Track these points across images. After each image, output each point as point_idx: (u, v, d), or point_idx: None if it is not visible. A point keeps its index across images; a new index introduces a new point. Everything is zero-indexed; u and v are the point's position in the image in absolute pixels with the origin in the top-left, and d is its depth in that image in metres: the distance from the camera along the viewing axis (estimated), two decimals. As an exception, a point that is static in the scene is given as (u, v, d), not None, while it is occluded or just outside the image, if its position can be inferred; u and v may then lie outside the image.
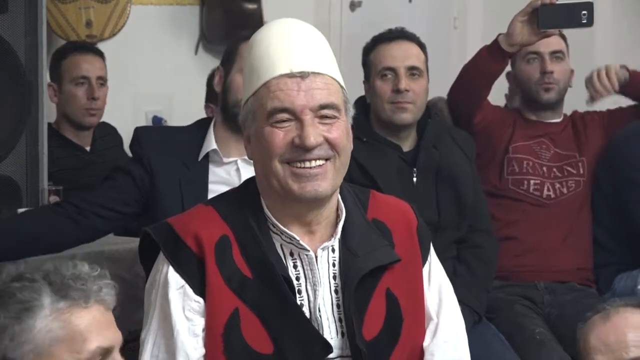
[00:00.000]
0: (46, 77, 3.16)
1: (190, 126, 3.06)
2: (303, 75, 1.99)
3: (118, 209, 2.81)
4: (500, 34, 3.20)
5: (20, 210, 2.94)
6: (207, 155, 2.84)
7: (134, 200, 2.79)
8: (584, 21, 3.13)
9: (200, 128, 2.90)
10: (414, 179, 3.09)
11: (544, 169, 3.41)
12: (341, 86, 2.06)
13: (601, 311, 2.18)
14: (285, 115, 1.99)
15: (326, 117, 2.00)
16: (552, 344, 3.08)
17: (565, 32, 3.48)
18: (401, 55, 3.11)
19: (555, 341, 3.11)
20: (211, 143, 2.84)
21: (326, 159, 2.01)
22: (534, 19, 3.13)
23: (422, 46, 3.16)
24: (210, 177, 2.82)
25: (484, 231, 3.20)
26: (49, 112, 3.32)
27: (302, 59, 2.01)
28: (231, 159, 2.82)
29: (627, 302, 2.20)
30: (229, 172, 2.81)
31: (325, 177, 2.01)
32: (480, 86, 3.32)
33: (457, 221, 3.12)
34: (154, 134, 2.94)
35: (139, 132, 2.92)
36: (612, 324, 2.13)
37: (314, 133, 1.98)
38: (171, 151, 2.83)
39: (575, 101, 3.62)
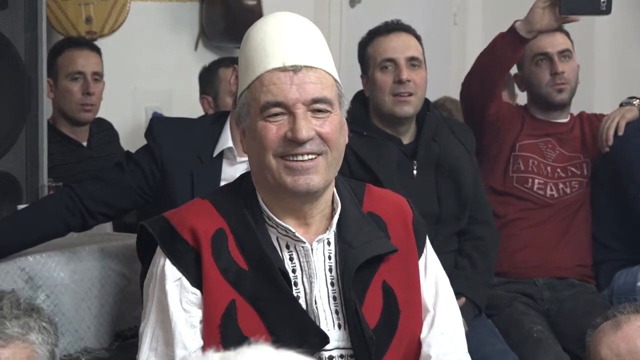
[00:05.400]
0: (46, 74, 3.15)
1: (206, 119, 3.04)
2: (295, 69, 2.00)
3: (126, 207, 2.83)
4: (516, 21, 3.19)
5: (20, 207, 2.93)
6: (221, 152, 2.85)
7: (142, 194, 2.79)
8: (603, 8, 3.15)
9: (217, 123, 2.90)
10: (414, 172, 3.09)
11: (548, 169, 3.41)
12: (335, 80, 2.06)
13: (611, 318, 2.15)
14: (278, 109, 2.00)
15: (319, 111, 2.01)
16: (549, 341, 3.08)
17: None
18: (400, 46, 3.11)
19: (553, 339, 3.11)
20: (227, 140, 2.84)
21: (318, 154, 2.02)
22: (557, 3, 3.12)
23: (418, 38, 3.16)
24: (222, 175, 2.82)
25: (484, 222, 3.20)
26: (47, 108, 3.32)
27: (295, 53, 2.01)
28: (244, 159, 2.82)
29: (638, 308, 2.17)
30: (238, 172, 2.80)
31: (318, 171, 2.02)
32: (495, 75, 3.31)
33: (458, 213, 3.12)
34: (169, 126, 2.92)
35: (154, 123, 2.91)
36: (623, 333, 2.10)
37: (306, 127, 1.99)
38: (186, 145, 2.83)
39: (580, 100, 3.62)
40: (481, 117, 3.37)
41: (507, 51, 3.23)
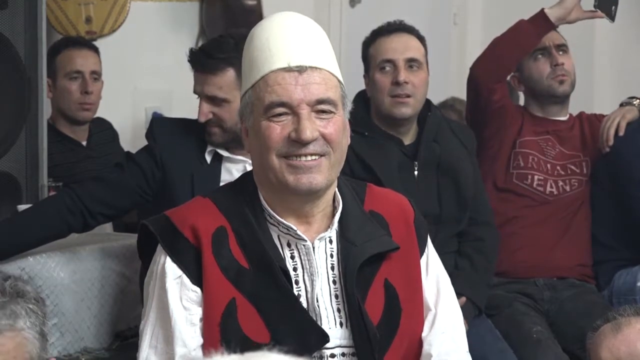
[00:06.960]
0: (46, 74, 3.15)
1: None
2: (301, 70, 2.00)
3: (126, 207, 2.83)
4: (543, 9, 3.33)
5: (20, 206, 2.93)
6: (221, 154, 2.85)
7: (142, 194, 2.79)
8: (612, 14, 3.41)
9: None
10: (415, 173, 3.09)
11: (548, 166, 3.41)
12: (339, 81, 2.06)
13: (611, 320, 2.14)
14: (282, 109, 2.00)
15: (323, 112, 2.01)
16: (549, 342, 3.07)
17: (565, 30, 3.49)
18: (400, 47, 3.11)
19: (553, 339, 3.11)
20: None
21: (321, 155, 2.02)
22: None
23: (421, 39, 3.16)
24: (222, 176, 2.83)
25: (484, 223, 3.20)
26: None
27: (300, 53, 2.01)
28: (240, 157, 2.83)
29: (639, 310, 2.16)
30: (236, 171, 2.81)
31: (320, 170, 2.02)
32: (512, 59, 3.39)
33: (458, 214, 3.12)
34: (170, 126, 2.93)
35: (154, 124, 2.92)
36: (623, 336, 2.09)
37: (310, 127, 1.99)
38: (186, 145, 2.84)
39: (580, 100, 3.63)
40: (487, 101, 3.38)
41: (531, 35, 3.33)
